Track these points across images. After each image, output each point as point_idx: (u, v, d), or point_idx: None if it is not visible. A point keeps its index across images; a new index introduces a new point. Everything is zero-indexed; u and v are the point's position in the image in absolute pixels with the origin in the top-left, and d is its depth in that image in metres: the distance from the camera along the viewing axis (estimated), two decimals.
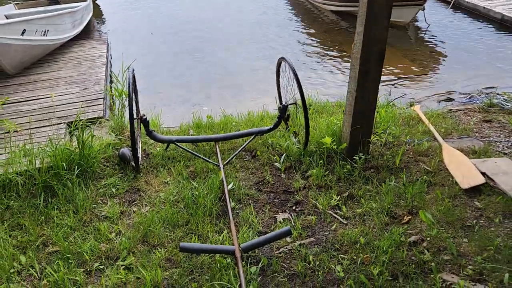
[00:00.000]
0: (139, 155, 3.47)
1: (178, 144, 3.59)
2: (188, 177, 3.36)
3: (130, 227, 2.86)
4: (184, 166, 3.51)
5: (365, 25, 3.01)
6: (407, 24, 8.08)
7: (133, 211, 3.04)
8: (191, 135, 4.07)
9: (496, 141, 3.75)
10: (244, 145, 3.63)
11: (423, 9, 7.83)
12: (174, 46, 7.83)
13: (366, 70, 3.13)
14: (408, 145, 3.63)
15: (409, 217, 2.71)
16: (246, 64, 6.84)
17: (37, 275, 2.48)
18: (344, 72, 6.40)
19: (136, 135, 3.33)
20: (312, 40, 8.01)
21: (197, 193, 3.07)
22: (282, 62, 3.78)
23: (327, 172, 3.30)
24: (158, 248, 2.64)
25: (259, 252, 2.57)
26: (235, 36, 8.32)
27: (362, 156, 3.28)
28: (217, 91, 5.86)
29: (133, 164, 3.45)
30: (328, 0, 9.20)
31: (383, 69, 3.22)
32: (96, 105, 4.66)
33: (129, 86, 3.26)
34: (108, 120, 4.32)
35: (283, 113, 3.67)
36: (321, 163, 3.37)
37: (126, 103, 4.03)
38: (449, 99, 4.91)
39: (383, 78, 6.10)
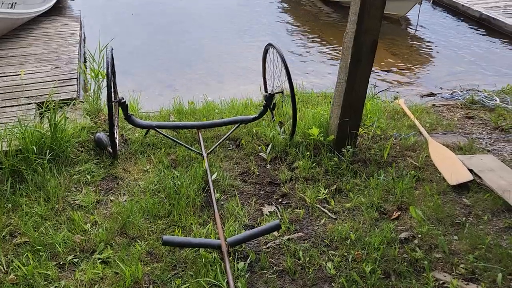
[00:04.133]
0: (117, 140, 3.26)
1: (159, 130, 3.41)
2: (169, 165, 3.19)
3: (107, 217, 2.68)
4: (165, 153, 3.34)
5: (358, 14, 2.91)
6: (401, 17, 8.03)
7: (110, 200, 2.85)
8: (172, 121, 3.89)
9: (479, 137, 3.76)
10: (228, 133, 3.49)
11: (420, 3, 7.76)
12: (154, 28, 7.52)
13: (358, 60, 3.04)
14: (395, 139, 3.58)
15: (399, 213, 2.66)
16: (229, 50, 6.64)
17: (3, 269, 2.28)
18: (330, 62, 6.31)
19: (114, 119, 3.13)
20: (298, 28, 7.87)
21: (179, 182, 2.91)
22: (270, 48, 3.64)
23: (314, 164, 3.20)
24: (138, 241, 2.48)
25: (246, 246, 2.45)
26: (218, 21, 8.08)
27: (350, 149, 3.20)
28: (198, 76, 5.65)
29: (110, 149, 3.25)
30: None
31: None
32: (69, 85, 4.38)
33: (107, 67, 3.04)
34: (82, 102, 4.06)
35: (269, 102, 3.54)
36: (307, 155, 3.27)
37: (102, 84, 3.79)
38: (432, 94, 4.91)
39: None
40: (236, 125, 3.57)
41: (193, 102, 4.09)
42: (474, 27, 7.86)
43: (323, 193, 2.89)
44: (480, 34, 7.59)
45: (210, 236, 2.49)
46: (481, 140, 3.71)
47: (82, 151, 3.29)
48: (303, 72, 5.95)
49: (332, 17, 8.41)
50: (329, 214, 2.72)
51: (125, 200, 2.84)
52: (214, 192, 2.80)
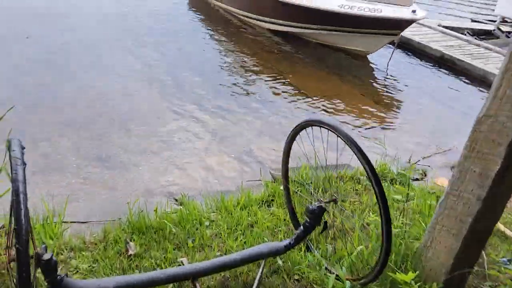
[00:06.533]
0: None
1: None
2: None
3: None
4: None
5: None
6: (369, 54, 7.13)
7: None
8: (134, 254, 2.13)
9: None
10: (255, 284, 1.89)
11: (396, 45, 6.86)
12: (57, 63, 5.45)
13: (508, 165, 1.71)
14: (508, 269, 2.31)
15: None
16: (158, 103, 4.87)
17: None
18: (297, 111, 4.90)
19: None
20: (241, 65, 6.46)
21: None
22: (308, 127, 2.13)
23: None
24: None
25: None
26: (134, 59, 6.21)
27: None
28: (131, 142, 3.80)
29: None
30: (264, 17, 7.60)
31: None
32: None
33: (16, 188, 1.30)
34: None
35: (316, 220, 2.02)
36: None
37: None
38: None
39: (349, 122, 4.85)
40: (262, 264, 1.99)
41: (167, 213, 2.35)
42: (442, 71, 7.22)
43: None
44: (458, 80, 6.95)
45: None
46: None
47: None
48: (254, 129, 4.47)
49: (283, 50, 7.17)
50: None
51: None
52: None
